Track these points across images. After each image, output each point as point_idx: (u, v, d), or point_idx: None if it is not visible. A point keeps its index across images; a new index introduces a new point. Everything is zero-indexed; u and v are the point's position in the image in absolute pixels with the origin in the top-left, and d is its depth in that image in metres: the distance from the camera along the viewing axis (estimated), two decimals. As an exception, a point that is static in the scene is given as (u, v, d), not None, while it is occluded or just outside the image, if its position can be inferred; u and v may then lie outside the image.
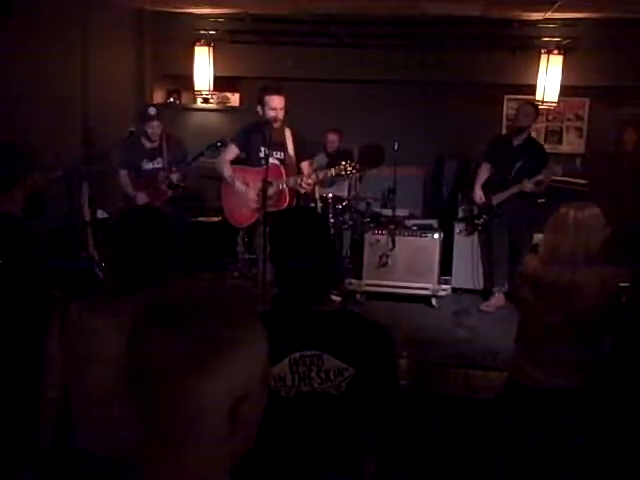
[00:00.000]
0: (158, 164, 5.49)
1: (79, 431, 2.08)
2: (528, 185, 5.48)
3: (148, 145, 5.51)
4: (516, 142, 5.72)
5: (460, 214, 6.36)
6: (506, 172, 5.68)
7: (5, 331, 2.39)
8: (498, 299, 5.79)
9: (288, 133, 4.87)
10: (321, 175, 4.83)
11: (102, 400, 2.00)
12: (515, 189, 5.56)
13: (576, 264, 2.78)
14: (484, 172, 5.92)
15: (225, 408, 0.96)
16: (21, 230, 2.68)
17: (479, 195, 5.85)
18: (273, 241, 2.04)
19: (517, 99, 7.17)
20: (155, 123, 5.39)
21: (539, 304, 2.89)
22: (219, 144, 5.17)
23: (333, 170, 4.74)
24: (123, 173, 5.50)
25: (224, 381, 0.96)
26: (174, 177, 5.34)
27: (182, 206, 5.95)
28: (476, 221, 6.02)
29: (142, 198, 5.39)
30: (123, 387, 0.97)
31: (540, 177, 5.47)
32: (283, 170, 4.74)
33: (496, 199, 5.72)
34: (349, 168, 4.67)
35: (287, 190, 4.72)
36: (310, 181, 4.70)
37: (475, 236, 6.23)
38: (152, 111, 5.40)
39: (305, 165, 4.87)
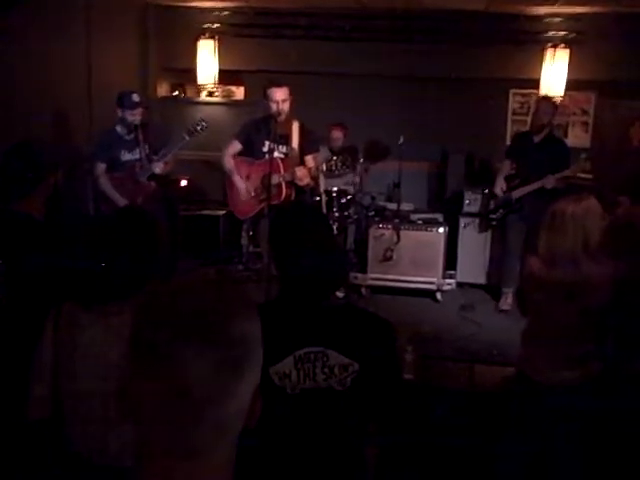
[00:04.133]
0: (137, 155, 5.01)
1: (73, 434, 2.06)
2: (551, 181, 5.33)
3: (126, 135, 5.01)
4: (537, 139, 5.61)
5: (465, 209, 6.34)
6: (527, 169, 5.59)
7: (21, 337, 2.30)
8: (509, 298, 5.75)
9: (295, 126, 4.85)
10: (313, 170, 4.82)
11: (93, 403, 1.99)
12: (537, 185, 5.42)
13: (578, 261, 2.76)
14: (506, 168, 5.84)
15: (247, 408, 0.96)
16: (40, 233, 2.61)
17: (500, 187, 5.75)
18: (273, 238, 2.01)
19: (523, 93, 7.15)
20: (139, 110, 4.92)
21: (546, 303, 2.88)
22: (199, 126, 5.03)
23: (325, 166, 4.75)
24: (101, 167, 4.96)
25: (250, 380, 0.94)
26: (156, 167, 4.96)
27: (171, 201, 5.76)
28: (492, 215, 5.92)
29: (122, 202, 4.85)
30: (128, 401, 0.93)
31: (567, 172, 5.36)
32: (281, 164, 4.73)
33: (516, 194, 5.62)
34: (339, 164, 4.70)
35: (284, 184, 4.72)
36: (300, 174, 4.68)
37: (481, 230, 6.21)
38: (136, 98, 4.93)
39: (309, 159, 4.85)
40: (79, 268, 2.15)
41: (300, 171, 4.68)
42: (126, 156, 5.01)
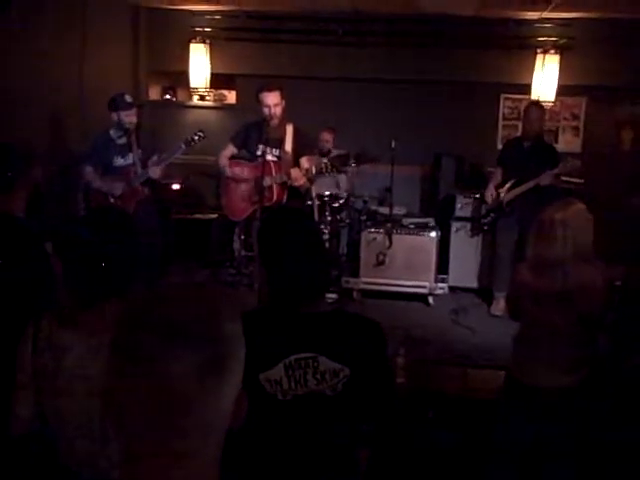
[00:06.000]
0: (130, 160, 4.96)
1: (61, 448, 2.01)
2: (548, 177, 5.36)
3: (118, 138, 4.95)
4: (526, 144, 5.67)
5: (457, 213, 6.36)
6: (517, 174, 5.61)
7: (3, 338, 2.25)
8: (501, 303, 5.74)
9: (289, 129, 4.87)
10: (306, 171, 4.83)
11: (78, 418, 1.95)
12: (533, 183, 5.42)
13: (568, 267, 2.75)
14: (498, 175, 5.87)
15: (231, 409, 0.95)
16: (20, 231, 2.60)
17: (491, 192, 5.78)
18: (261, 242, 1.99)
19: (513, 98, 7.18)
20: (134, 111, 4.89)
21: (537, 310, 2.88)
22: (196, 137, 5.02)
23: (314, 168, 4.77)
24: (89, 170, 4.93)
25: (233, 381, 0.94)
26: (152, 173, 4.92)
27: (164, 205, 5.78)
28: (483, 220, 5.95)
29: (117, 188, 4.87)
30: (111, 407, 0.92)
31: (556, 170, 5.40)
32: (274, 166, 4.74)
33: (507, 197, 5.66)
34: (329, 166, 4.74)
35: (276, 186, 4.73)
36: (295, 175, 4.70)
37: (473, 234, 6.22)
38: (129, 98, 4.86)
39: (304, 161, 4.86)
40: (55, 271, 2.12)
41: (295, 172, 4.70)
42: (119, 161, 4.96)
